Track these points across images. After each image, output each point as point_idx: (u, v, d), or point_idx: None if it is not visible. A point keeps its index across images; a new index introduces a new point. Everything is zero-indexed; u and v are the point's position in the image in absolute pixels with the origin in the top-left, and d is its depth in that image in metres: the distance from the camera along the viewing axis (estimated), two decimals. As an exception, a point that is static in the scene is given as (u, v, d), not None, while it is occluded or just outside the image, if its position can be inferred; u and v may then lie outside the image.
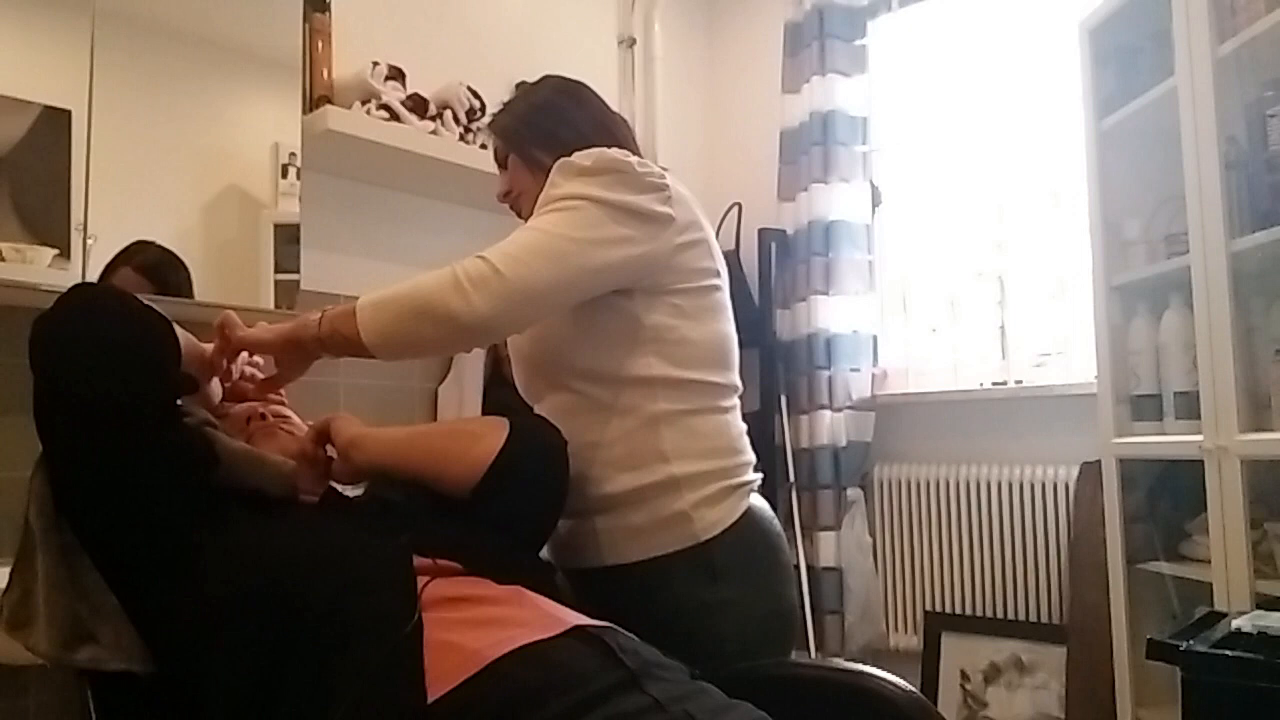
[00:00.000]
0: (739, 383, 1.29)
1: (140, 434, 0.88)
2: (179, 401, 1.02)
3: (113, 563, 0.90)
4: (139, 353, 0.88)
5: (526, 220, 1.29)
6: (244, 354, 1.22)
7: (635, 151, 1.29)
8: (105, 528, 0.90)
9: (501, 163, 1.35)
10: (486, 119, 1.37)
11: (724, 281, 1.29)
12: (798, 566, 2.61)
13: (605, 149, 1.17)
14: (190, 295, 1.67)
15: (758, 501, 1.24)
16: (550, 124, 1.30)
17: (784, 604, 1.24)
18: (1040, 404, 2.45)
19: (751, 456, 1.27)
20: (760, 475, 1.27)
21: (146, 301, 0.92)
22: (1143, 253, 2.02)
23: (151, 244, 1.63)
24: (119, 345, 0.87)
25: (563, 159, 1.17)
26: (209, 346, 1.12)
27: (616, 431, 1.18)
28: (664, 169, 1.22)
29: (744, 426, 1.29)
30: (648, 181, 1.16)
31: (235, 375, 1.18)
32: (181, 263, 1.67)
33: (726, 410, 1.25)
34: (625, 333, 1.18)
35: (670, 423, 1.18)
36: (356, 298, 1.98)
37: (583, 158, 1.16)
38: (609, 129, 1.31)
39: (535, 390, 1.29)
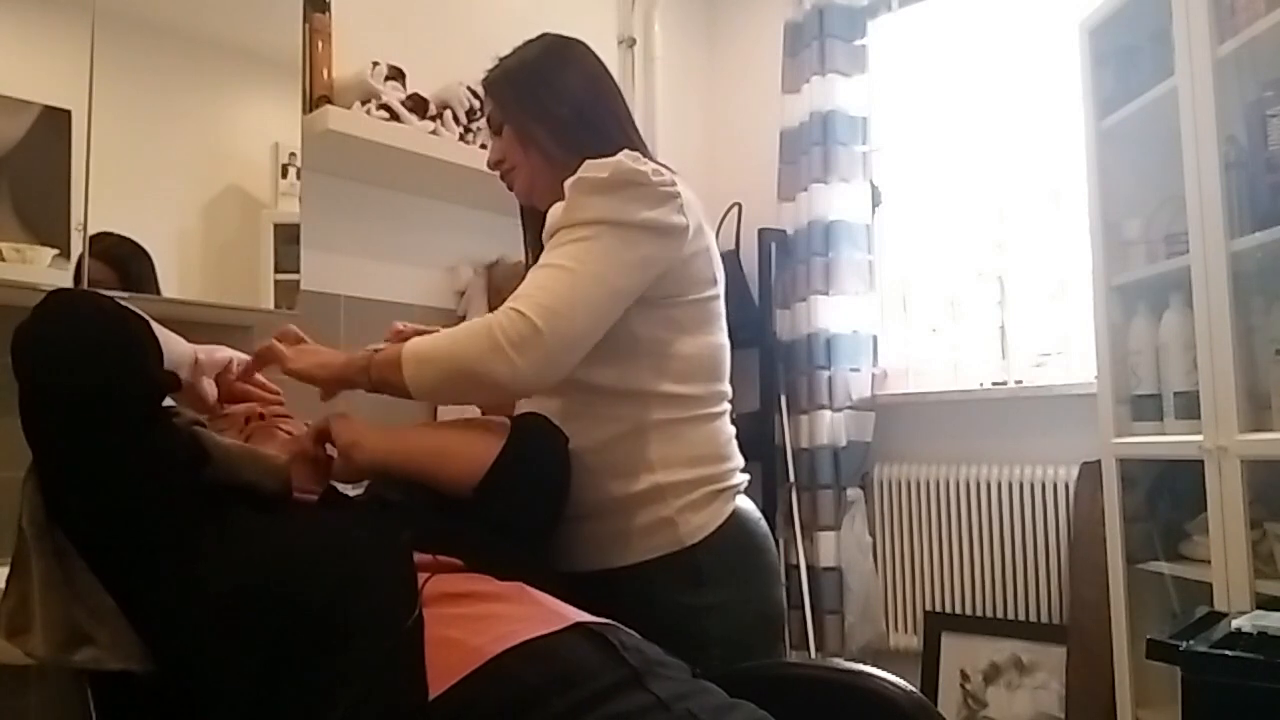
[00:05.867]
0: (729, 390, 1.28)
1: (124, 432, 0.88)
2: (170, 402, 1.02)
3: (107, 564, 0.90)
4: (117, 351, 0.88)
5: (517, 191, 1.29)
6: (238, 354, 1.22)
7: (626, 126, 1.28)
8: (96, 529, 0.90)
9: (496, 129, 1.31)
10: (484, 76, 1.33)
11: (721, 288, 1.27)
12: (797, 566, 2.62)
13: (620, 159, 1.13)
14: (154, 282, 1.63)
15: (744, 503, 1.24)
16: (544, 94, 1.25)
17: (770, 606, 1.24)
18: (1040, 404, 2.45)
19: (739, 460, 1.27)
20: (747, 477, 1.27)
21: (124, 302, 0.92)
22: (1143, 253, 2.02)
23: (110, 235, 1.58)
24: (97, 344, 0.87)
25: (575, 177, 1.14)
26: (203, 347, 1.12)
27: (603, 438, 1.17)
28: (672, 170, 1.20)
29: (733, 430, 1.28)
30: (662, 192, 1.14)
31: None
32: (143, 250, 1.63)
33: (716, 417, 1.25)
34: (619, 347, 1.17)
35: (659, 431, 1.18)
36: (356, 298, 1.97)
37: (598, 169, 1.13)
38: (604, 97, 1.28)
39: None
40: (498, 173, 1.32)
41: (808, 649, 2.59)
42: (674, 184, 1.17)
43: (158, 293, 1.64)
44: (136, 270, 1.62)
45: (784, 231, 2.79)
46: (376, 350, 1.12)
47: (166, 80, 1.69)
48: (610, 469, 1.17)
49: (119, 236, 1.60)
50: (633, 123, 1.31)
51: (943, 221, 2.73)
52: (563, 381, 1.18)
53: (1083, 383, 2.27)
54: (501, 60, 1.32)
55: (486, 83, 1.33)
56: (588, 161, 1.14)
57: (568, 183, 1.14)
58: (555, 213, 1.16)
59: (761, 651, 1.20)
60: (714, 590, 1.16)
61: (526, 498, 1.10)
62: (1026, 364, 2.53)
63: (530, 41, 1.32)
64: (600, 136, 1.20)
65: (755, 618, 1.21)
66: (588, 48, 1.32)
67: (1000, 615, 2.45)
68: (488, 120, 1.34)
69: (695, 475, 1.19)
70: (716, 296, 1.25)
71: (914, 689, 0.98)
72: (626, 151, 1.15)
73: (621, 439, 1.18)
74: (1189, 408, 1.82)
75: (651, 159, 1.22)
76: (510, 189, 1.32)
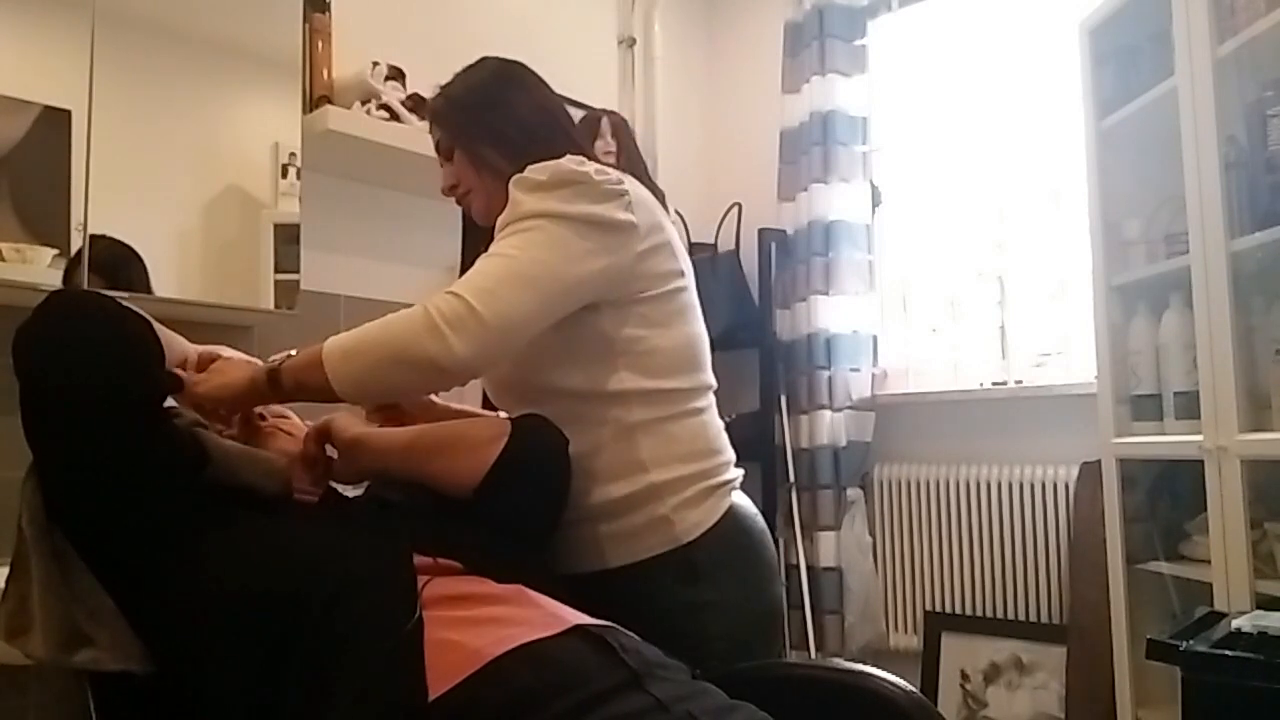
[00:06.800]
0: (713, 380, 1.28)
1: (125, 432, 0.88)
2: (171, 404, 1.02)
3: (106, 564, 0.90)
4: (119, 352, 0.89)
5: (475, 213, 1.29)
6: (239, 355, 1.22)
7: (578, 140, 1.27)
8: (96, 529, 0.90)
9: (446, 155, 1.30)
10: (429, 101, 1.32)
11: (689, 280, 1.26)
12: (797, 566, 2.62)
13: (560, 161, 1.14)
14: (147, 288, 1.63)
15: (740, 500, 1.24)
16: (493, 117, 1.26)
17: (769, 601, 1.24)
18: (1040, 404, 2.45)
19: (731, 454, 1.27)
20: (741, 472, 1.27)
21: (126, 302, 0.92)
22: (1143, 253, 2.02)
23: (103, 238, 1.58)
24: (99, 345, 0.87)
25: (517, 175, 1.14)
26: (201, 348, 1.12)
27: (593, 442, 1.17)
28: (620, 174, 1.19)
29: (721, 424, 1.28)
30: (607, 189, 1.14)
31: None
32: (136, 255, 1.62)
33: (702, 411, 1.25)
34: (595, 349, 1.17)
35: (647, 431, 1.18)
36: (356, 298, 1.97)
37: (538, 172, 1.13)
38: (552, 115, 1.29)
39: (505, 404, 1.28)
40: (453, 198, 1.31)
41: (808, 649, 2.59)
42: (620, 182, 1.16)
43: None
44: (126, 276, 1.61)
45: (784, 231, 2.79)
46: (288, 357, 1.08)
47: (166, 80, 1.69)
48: (602, 473, 1.17)
49: (110, 240, 1.59)
50: (583, 138, 1.31)
51: (943, 221, 2.73)
52: (541, 389, 1.18)
53: (1083, 383, 2.27)
54: (444, 87, 1.32)
55: (432, 111, 1.32)
56: (530, 165, 1.14)
57: (510, 182, 1.14)
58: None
59: (760, 648, 1.20)
60: (711, 587, 1.16)
61: (527, 498, 1.10)
62: (1026, 364, 2.53)
63: (471, 67, 1.32)
64: (552, 152, 1.19)
65: (753, 614, 1.21)
66: (531, 70, 1.32)
67: (1000, 615, 2.45)
68: (436, 147, 1.32)
69: (689, 471, 1.19)
70: (684, 288, 1.24)
71: (914, 689, 0.98)
72: (570, 156, 1.16)
73: (610, 442, 1.17)
74: (1189, 408, 1.82)
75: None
76: (468, 211, 1.31)
